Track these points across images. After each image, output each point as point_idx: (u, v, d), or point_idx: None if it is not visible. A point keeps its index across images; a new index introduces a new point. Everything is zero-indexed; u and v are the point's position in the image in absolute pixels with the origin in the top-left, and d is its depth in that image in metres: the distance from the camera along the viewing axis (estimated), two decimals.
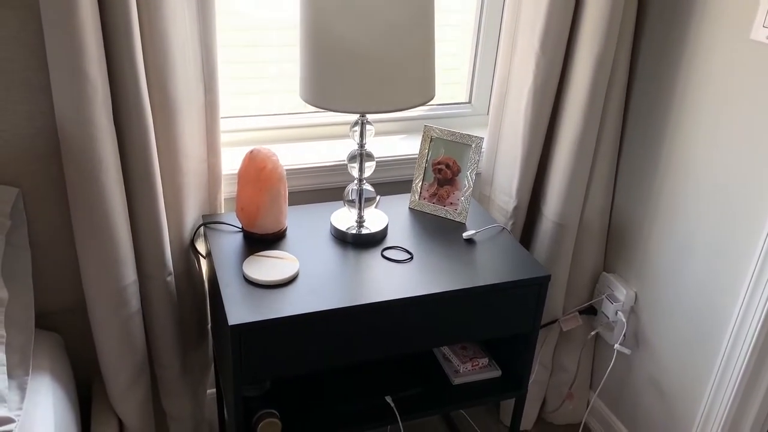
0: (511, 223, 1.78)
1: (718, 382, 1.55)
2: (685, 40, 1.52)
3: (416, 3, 1.24)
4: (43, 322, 1.43)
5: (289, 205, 1.56)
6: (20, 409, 1.18)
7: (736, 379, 1.51)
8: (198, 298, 1.63)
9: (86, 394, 1.55)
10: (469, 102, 1.95)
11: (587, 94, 1.57)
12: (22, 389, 1.22)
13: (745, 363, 1.49)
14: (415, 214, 1.66)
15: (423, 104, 1.35)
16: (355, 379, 1.57)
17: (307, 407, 1.50)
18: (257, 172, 1.41)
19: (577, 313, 1.87)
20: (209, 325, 1.70)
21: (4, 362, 1.18)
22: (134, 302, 1.43)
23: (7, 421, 1.14)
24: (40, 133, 1.33)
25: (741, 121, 1.41)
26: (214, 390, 1.81)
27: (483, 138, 1.59)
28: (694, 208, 1.56)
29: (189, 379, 1.66)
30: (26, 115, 1.32)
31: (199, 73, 1.42)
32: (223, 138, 1.60)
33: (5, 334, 1.20)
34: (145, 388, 1.53)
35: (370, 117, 1.44)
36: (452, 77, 1.92)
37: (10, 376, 1.20)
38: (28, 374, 1.25)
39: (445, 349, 1.64)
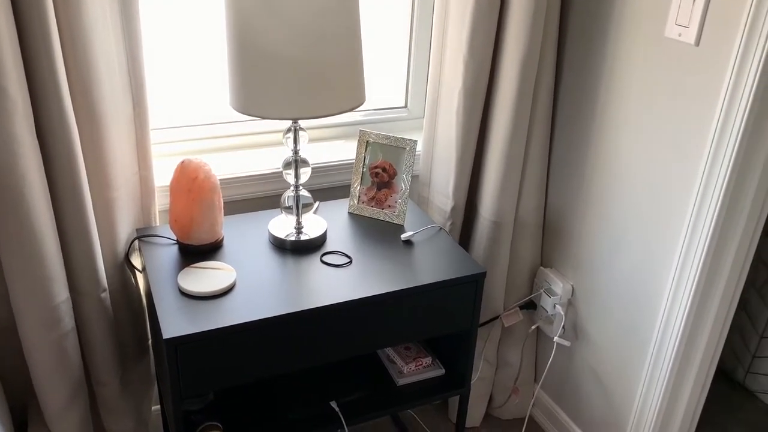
0: (449, 223, 1.81)
1: (652, 368, 1.61)
2: (606, 41, 1.58)
3: (342, 9, 1.25)
4: None
5: (225, 214, 1.55)
6: None
7: (669, 363, 1.57)
8: (136, 313, 1.60)
9: (22, 417, 1.50)
10: (405, 106, 1.97)
11: (515, 94, 1.61)
12: None
13: (675, 348, 1.55)
14: (355, 218, 1.66)
15: (353, 109, 1.36)
16: (300, 386, 1.57)
17: (252, 417, 1.49)
18: (189, 182, 1.40)
19: (518, 309, 1.91)
20: (149, 341, 1.67)
21: None
22: (67, 320, 1.39)
23: None
24: None
25: (661, 116, 1.47)
26: (159, 407, 1.78)
27: (416, 141, 1.61)
28: (623, 202, 1.61)
29: (131, 396, 1.63)
30: None
31: (126, 85, 1.40)
32: (156, 149, 1.58)
33: None
34: (83, 408, 1.49)
35: (303, 123, 1.44)
36: (392, 82, 1.94)
37: None
38: None
39: (389, 351, 1.65)
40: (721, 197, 1.37)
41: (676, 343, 1.54)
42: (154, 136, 1.53)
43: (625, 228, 1.62)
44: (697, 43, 1.35)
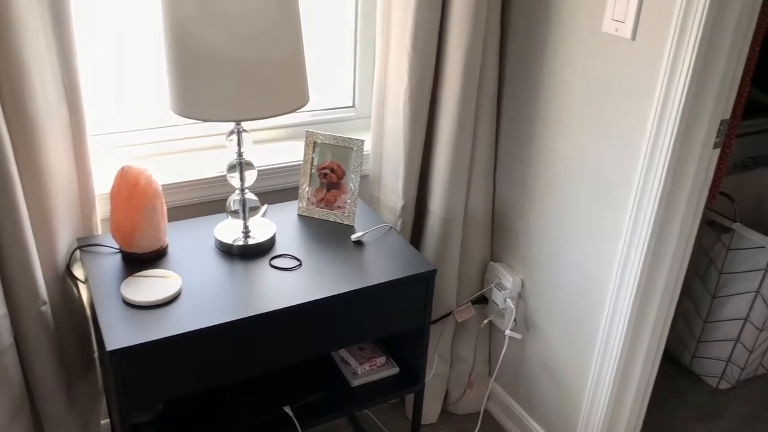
0: (400, 221, 1.81)
1: (601, 356, 1.65)
2: (547, 36, 1.60)
3: (281, 8, 1.24)
4: None
5: (169, 220, 1.52)
6: None
7: (617, 351, 1.60)
8: (80, 325, 1.55)
9: None
10: (353, 105, 1.96)
11: (460, 91, 1.62)
12: None
13: (623, 335, 1.58)
14: (304, 220, 1.65)
15: (297, 110, 1.35)
16: (253, 391, 1.55)
17: (204, 426, 1.46)
18: (130, 189, 1.36)
19: (470, 304, 1.93)
20: (95, 353, 1.62)
21: None
22: (6, 337, 1.34)
23: None
24: None
25: (601, 109, 1.50)
26: (108, 420, 1.73)
27: (364, 141, 1.61)
28: (567, 195, 1.64)
29: (78, 412, 1.58)
30: None
31: (60, 92, 1.35)
32: (97, 156, 1.53)
33: None
34: (24, 426, 1.43)
35: (247, 125, 1.42)
36: (339, 81, 1.93)
37: None
38: None
39: (343, 352, 1.64)
40: (660, 188, 1.41)
41: (624, 331, 1.58)
42: (94, 143, 1.48)
43: (571, 220, 1.65)
44: (633, 37, 1.39)
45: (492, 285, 1.91)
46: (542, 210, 1.73)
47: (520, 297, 1.87)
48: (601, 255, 1.59)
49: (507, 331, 1.86)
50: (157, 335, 1.21)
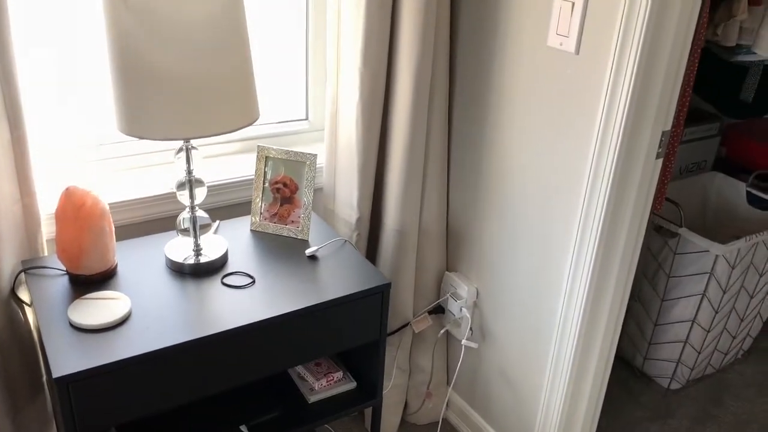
0: (356, 234, 1.81)
1: (555, 361, 1.68)
2: (495, 50, 1.63)
3: (225, 23, 1.23)
4: None
5: (118, 240, 1.48)
6: None
7: (570, 355, 1.63)
8: (27, 350, 1.51)
9: None
10: (307, 118, 1.96)
11: (411, 103, 1.63)
12: None
13: (575, 340, 1.61)
14: (258, 235, 1.64)
15: (247, 126, 1.33)
16: (208, 411, 1.53)
17: None
18: (75, 210, 1.33)
19: (427, 314, 1.94)
20: (43, 377, 1.57)
21: None
22: None
23: None
24: None
25: (547, 121, 1.53)
26: None
27: (316, 155, 1.60)
28: (518, 204, 1.67)
29: None
30: None
31: (1, 107, 1.31)
32: (42, 175, 1.49)
33: None
34: None
35: (197, 141, 1.40)
36: (292, 93, 1.92)
37: None
38: None
39: (299, 368, 1.63)
40: (606, 197, 1.44)
41: (576, 336, 1.61)
42: (38, 162, 1.45)
43: (522, 229, 1.68)
44: (577, 51, 1.42)
45: (448, 294, 1.92)
46: (494, 220, 1.76)
47: (476, 306, 1.89)
48: (552, 263, 1.62)
49: (463, 341, 1.87)
50: (106, 359, 1.18)
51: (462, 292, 1.87)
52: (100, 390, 1.20)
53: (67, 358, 1.18)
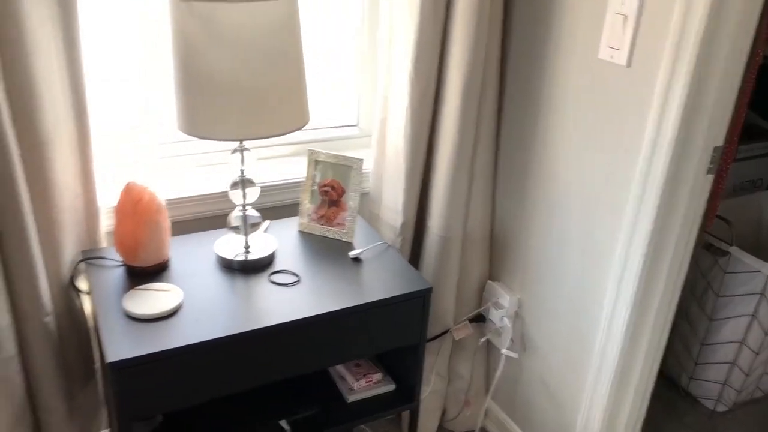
0: (400, 239, 1.84)
1: (596, 375, 1.66)
2: (545, 61, 1.64)
3: (283, 32, 1.28)
4: None
5: (173, 235, 1.55)
6: None
7: (611, 370, 1.62)
8: (82, 336, 1.58)
9: None
10: (356, 124, 2.00)
11: (460, 111, 1.65)
12: None
13: (617, 355, 1.60)
14: (304, 236, 1.68)
15: (297, 129, 1.38)
16: (250, 404, 1.57)
17: None
18: (133, 205, 1.39)
19: (468, 322, 1.95)
20: (96, 364, 1.64)
21: None
22: (10, 346, 1.37)
23: None
24: None
25: (596, 133, 1.53)
26: (108, 430, 1.75)
27: (363, 159, 1.64)
28: (564, 215, 1.67)
29: (78, 422, 1.60)
30: None
31: (69, 108, 1.39)
32: (104, 171, 1.57)
33: None
34: None
35: (250, 143, 1.45)
36: (344, 99, 1.96)
37: None
38: None
39: (340, 368, 1.66)
40: (654, 212, 1.43)
41: (618, 351, 1.60)
42: (100, 158, 1.52)
43: (567, 240, 1.67)
44: (629, 64, 1.42)
45: (489, 304, 1.93)
46: (540, 230, 1.76)
47: (517, 316, 1.89)
48: (596, 275, 1.61)
49: (504, 350, 1.87)
50: (157, 348, 1.24)
51: (504, 301, 1.88)
52: (149, 377, 1.26)
53: (120, 345, 1.24)
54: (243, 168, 1.46)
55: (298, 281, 1.48)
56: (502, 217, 1.89)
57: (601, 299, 1.60)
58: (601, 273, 1.59)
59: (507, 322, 1.87)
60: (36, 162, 1.35)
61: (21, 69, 1.26)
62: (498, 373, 1.93)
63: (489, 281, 1.95)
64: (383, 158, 1.82)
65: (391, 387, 1.64)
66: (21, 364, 1.42)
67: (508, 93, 1.78)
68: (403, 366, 1.64)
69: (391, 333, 1.51)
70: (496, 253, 1.94)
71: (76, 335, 1.56)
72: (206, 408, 1.55)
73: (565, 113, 1.61)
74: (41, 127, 1.33)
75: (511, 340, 1.88)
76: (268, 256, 1.54)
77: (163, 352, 1.24)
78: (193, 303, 1.37)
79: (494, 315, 1.91)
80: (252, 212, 1.52)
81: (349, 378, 1.63)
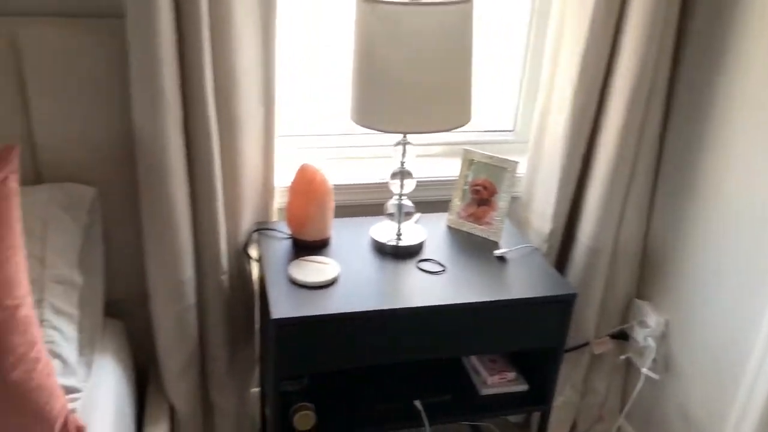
0: (546, 246, 1.86)
1: (741, 413, 1.57)
2: (719, 76, 1.58)
3: (456, 36, 1.37)
4: (110, 309, 1.58)
5: (335, 217, 1.69)
6: (86, 382, 1.34)
7: (758, 409, 1.53)
8: (248, 298, 1.77)
9: (143, 378, 1.70)
10: (513, 130, 2.04)
11: (622, 125, 1.65)
12: (89, 365, 1.37)
13: (766, 394, 1.51)
14: (452, 231, 1.76)
15: (459, 127, 1.46)
16: (388, 381, 1.67)
17: (341, 404, 1.60)
18: (307, 184, 1.55)
19: (608, 338, 1.92)
20: (257, 326, 1.83)
21: (76, 338, 1.34)
22: (190, 297, 1.58)
23: (75, 390, 1.29)
24: (119, 140, 1.51)
25: None
26: (259, 389, 1.93)
27: (518, 162, 1.68)
28: (727, 238, 1.60)
29: (236, 375, 1.79)
30: (108, 125, 1.50)
31: (260, 95, 1.58)
32: (280, 154, 1.75)
33: (79, 313, 1.36)
34: (195, 378, 1.67)
35: (412, 138, 1.56)
36: (501, 104, 2.02)
37: (79, 352, 1.35)
38: (94, 353, 1.41)
39: (474, 361, 1.72)
40: None
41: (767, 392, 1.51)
42: (279, 142, 1.70)
43: (727, 263, 1.60)
44: None
45: (634, 322, 1.88)
46: (698, 249, 1.69)
47: (663, 337, 1.83)
48: (754, 303, 1.53)
49: (644, 370, 1.82)
50: (315, 312, 1.38)
51: (650, 321, 1.83)
52: (305, 338, 1.40)
53: (284, 306, 1.39)
54: (403, 160, 1.57)
55: (443, 270, 1.56)
56: (657, 233, 1.84)
57: (756, 328, 1.52)
58: (759, 300, 1.51)
59: (651, 342, 1.81)
60: (229, 142, 1.55)
61: (227, 62, 1.46)
62: (635, 393, 1.88)
63: (636, 299, 1.90)
64: (538, 164, 1.85)
65: (524, 387, 1.67)
66: (197, 314, 1.63)
67: (678, 101, 1.73)
68: (539, 369, 1.66)
69: (531, 333, 1.54)
70: (647, 270, 1.89)
71: (243, 296, 1.75)
72: (347, 378, 1.67)
73: (738, 129, 1.55)
74: (237, 112, 1.52)
75: (654, 360, 1.83)
76: (418, 244, 1.64)
77: (319, 315, 1.37)
78: (349, 277, 1.50)
79: (638, 334, 1.86)
80: (407, 202, 1.63)
81: (484, 372, 1.68)
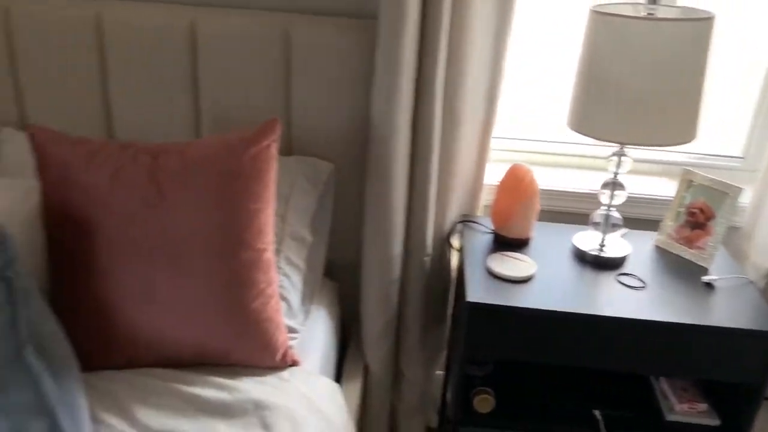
0: (765, 282, 1.73)
1: None
2: None
3: (690, 50, 1.35)
4: (327, 270, 1.81)
5: (537, 220, 1.75)
6: (303, 326, 1.56)
7: None
8: (445, 283, 1.90)
9: (344, 337, 1.91)
10: (743, 157, 1.93)
11: None
12: (307, 313, 1.60)
13: None
14: (659, 251, 1.72)
15: (681, 144, 1.44)
16: (568, 384, 1.70)
17: (520, 397, 1.66)
18: (516, 182, 1.63)
19: None
20: (448, 311, 1.95)
21: (301, 288, 1.57)
22: (396, 271, 1.74)
23: (294, 330, 1.51)
24: (356, 127, 1.71)
25: None
26: (442, 372, 2.05)
27: (742, 189, 1.60)
28: None
29: (425, 351, 1.93)
30: (349, 113, 1.71)
31: (484, 98, 1.69)
32: (492, 154, 1.85)
33: (305, 267, 1.59)
34: (389, 346, 1.83)
35: (629, 151, 1.56)
36: (730, 128, 1.93)
37: (301, 300, 1.58)
38: (312, 304, 1.63)
39: (664, 385, 1.67)
40: None
41: None
42: (493, 143, 1.80)
43: None
44: None
45: None
46: None
47: None
48: None
49: None
50: (507, 302, 1.46)
51: None
52: (494, 325, 1.48)
53: (479, 292, 1.49)
54: (617, 171, 1.58)
55: (643, 287, 1.54)
56: None
57: None
58: None
59: None
60: (449, 138, 1.68)
61: (458, 65, 1.59)
62: None
63: None
64: (766, 196, 1.74)
65: (716, 422, 1.59)
66: (399, 288, 1.79)
67: None
68: (735, 406, 1.57)
69: (730, 365, 1.46)
70: None
71: (440, 281, 1.88)
72: (530, 374, 1.73)
73: None
74: (460, 112, 1.65)
75: None
76: (620, 257, 1.63)
77: (511, 306, 1.45)
78: (545, 277, 1.56)
79: None
80: (615, 214, 1.63)
81: (673, 398, 1.62)
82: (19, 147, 1.68)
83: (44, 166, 1.36)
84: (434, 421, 2.08)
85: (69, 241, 1.34)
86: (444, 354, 2.01)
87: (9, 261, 1.16)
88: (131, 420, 1.22)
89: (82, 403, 1.16)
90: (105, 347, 1.34)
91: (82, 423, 1.14)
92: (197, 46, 1.65)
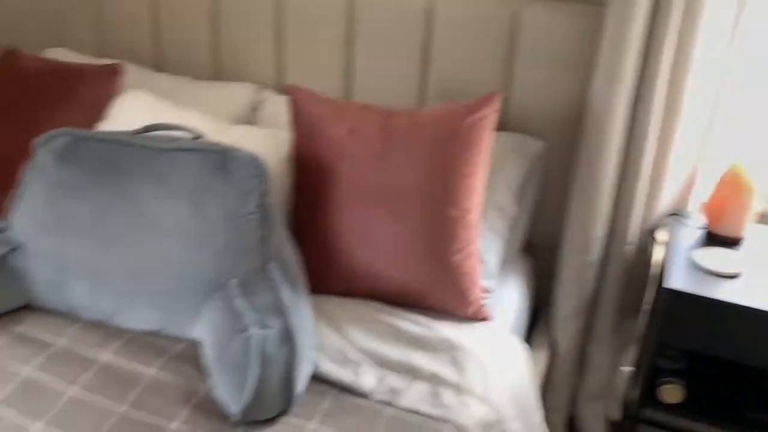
0: None
1: None
2: None
3: None
4: (526, 247, 1.89)
5: (755, 223, 1.67)
6: (497, 289, 1.67)
7: None
8: (642, 276, 1.86)
9: (534, 317, 1.98)
10: None
11: None
12: (502, 279, 1.70)
13: None
14: None
15: None
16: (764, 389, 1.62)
17: (709, 392, 1.62)
18: (734, 178, 1.58)
19: None
20: (643, 306, 1.92)
21: (499, 253, 1.67)
22: (595, 253, 1.76)
23: (488, 290, 1.63)
24: (572, 109, 1.76)
25: None
26: (631, 368, 2.02)
27: None
28: None
29: (615, 341, 1.92)
30: (567, 95, 1.76)
31: (709, 91, 1.64)
32: (712, 150, 1.78)
33: (506, 235, 1.69)
34: (579, 327, 1.86)
35: None
36: None
37: (498, 265, 1.68)
38: (507, 272, 1.74)
39: None
40: None
41: None
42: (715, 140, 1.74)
43: None
44: None
45: None
46: None
47: None
48: None
49: None
50: (707, 294, 1.44)
51: None
52: (690, 316, 1.47)
53: (679, 280, 1.49)
54: None
55: None
56: None
57: None
58: None
59: None
60: (666, 128, 1.64)
61: (685, 52, 1.57)
62: None
63: None
64: None
65: None
66: (597, 271, 1.81)
67: None
68: None
69: None
70: None
71: (639, 273, 1.85)
72: (726, 374, 1.67)
73: None
74: (679, 103, 1.61)
75: None
76: None
77: (709, 298, 1.43)
78: (753, 276, 1.50)
79: None
80: None
81: None
82: (275, 107, 1.99)
83: (298, 120, 1.63)
84: (617, 413, 2.06)
85: (309, 184, 1.59)
86: (634, 348, 1.99)
87: (266, 191, 1.42)
88: (343, 335, 1.43)
89: (309, 311, 1.40)
90: (327, 276, 1.57)
91: (307, 324, 1.37)
92: (433, 23, 1.83)
